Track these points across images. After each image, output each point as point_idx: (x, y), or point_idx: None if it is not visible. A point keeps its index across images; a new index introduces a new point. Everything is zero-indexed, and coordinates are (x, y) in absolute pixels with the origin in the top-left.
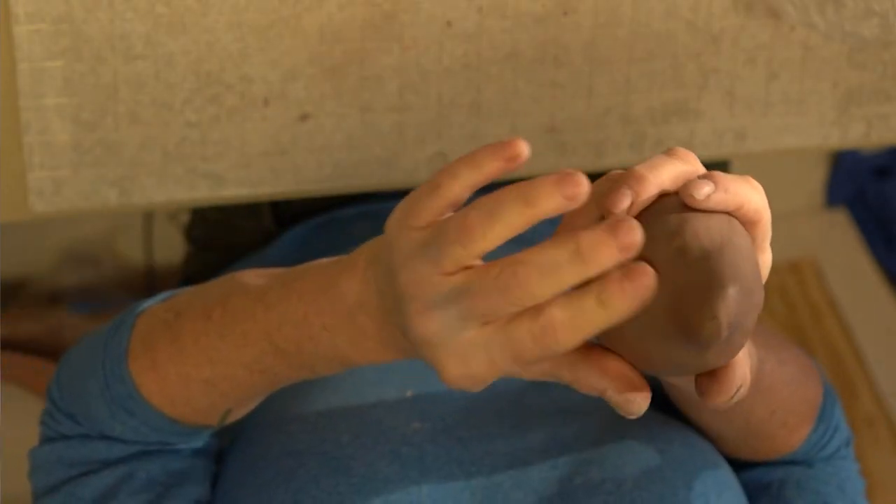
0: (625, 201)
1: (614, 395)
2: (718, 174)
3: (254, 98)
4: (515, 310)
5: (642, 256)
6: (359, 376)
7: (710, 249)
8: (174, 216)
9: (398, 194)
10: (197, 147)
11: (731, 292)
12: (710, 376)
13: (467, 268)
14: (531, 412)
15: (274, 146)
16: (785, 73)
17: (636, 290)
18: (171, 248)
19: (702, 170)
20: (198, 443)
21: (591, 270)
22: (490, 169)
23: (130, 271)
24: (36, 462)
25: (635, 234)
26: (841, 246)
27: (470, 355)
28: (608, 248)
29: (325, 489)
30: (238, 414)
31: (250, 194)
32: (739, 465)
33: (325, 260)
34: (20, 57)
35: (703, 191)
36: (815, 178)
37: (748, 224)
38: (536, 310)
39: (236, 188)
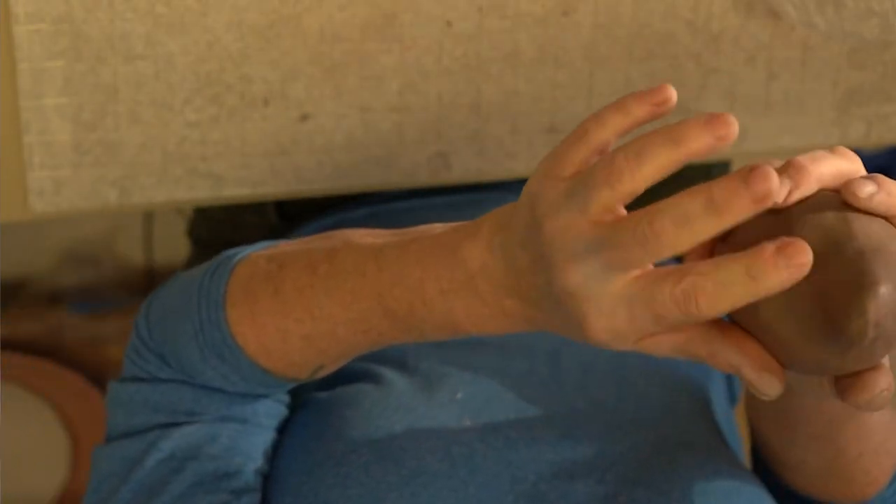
0: (781, 190)
1: (750, 373)
2: (881, 176)
3: (254, 98)
4: (655, 260)
5: None
6: (410, 379)
7: (867, 248)
8: (180, 209)
9: (404, 194)
10: (197, 147)
11: (884, 291)
12: (852, 377)
13: (613, 216)
14: (582, 423)
15: (274, 146)
16: (785, 73)
17: (789, 268)
18: (171, 248)
19: (863, 170)
20: (275, 415)
21: (726, 221)
22: (638, 113)
23: (130, 271)
24: (118, 397)
25: (770, 183)
26: None
27: (613, 309)
28: (741, 198)
29: (374, 477)
30: (329, 370)
31: (250, 194)
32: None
33: (441, 225)
34: (20, 57)
35: (867, 190)
36: None
37: None
38: (681, 272)
39: (236, 188)
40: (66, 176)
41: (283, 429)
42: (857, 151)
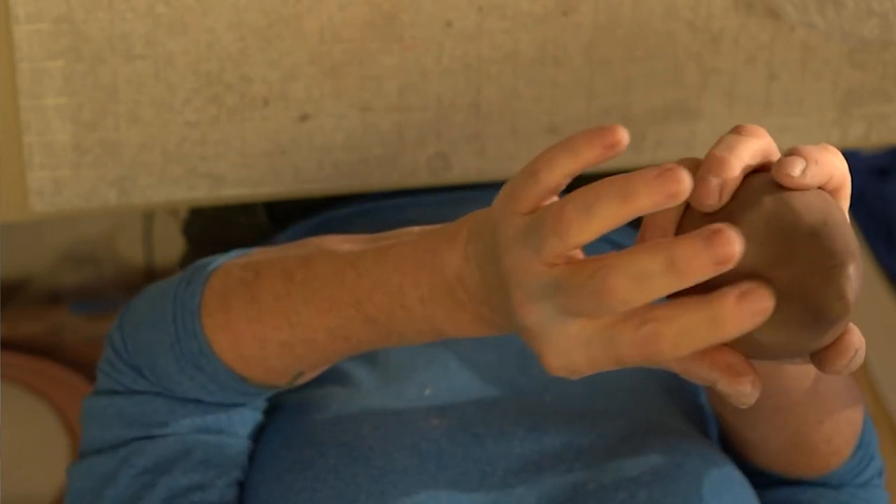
0: (714, 192)
1: (725, 387)
2: (803, 148)
3: (254, 98)
4: (609, 313)
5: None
6: (379, 375)
7: (816, 226)
8: (174, 211)
9: (394, 193)
10: (197, 147)
11: (852, 269)
12: (829, 349)
13: (569, 259)
14: (550, 415)
15: (274, 146)
16: (785, 73)
17: (754, 314)
18: (171, 248)
19: (773, 143)
20: (251, 424)
21: (685, 283)
22: (588, 157)
23: (130, 271)
24: (92, 412)
25: (733, 246)
26: None
27: (570, 349)
28: (703, 261)
29: (343, 479)
30: (310, 376)
31: (250, 194)
32: (766, 484)
33: (418, 228)
34: (20, 57)
35: (798, 168)
36: None
37: (834, 191)
38: (641, 317)
39: (236, 188)
40: (66, 176)
41: (256, 436)
42: (857, 151)
